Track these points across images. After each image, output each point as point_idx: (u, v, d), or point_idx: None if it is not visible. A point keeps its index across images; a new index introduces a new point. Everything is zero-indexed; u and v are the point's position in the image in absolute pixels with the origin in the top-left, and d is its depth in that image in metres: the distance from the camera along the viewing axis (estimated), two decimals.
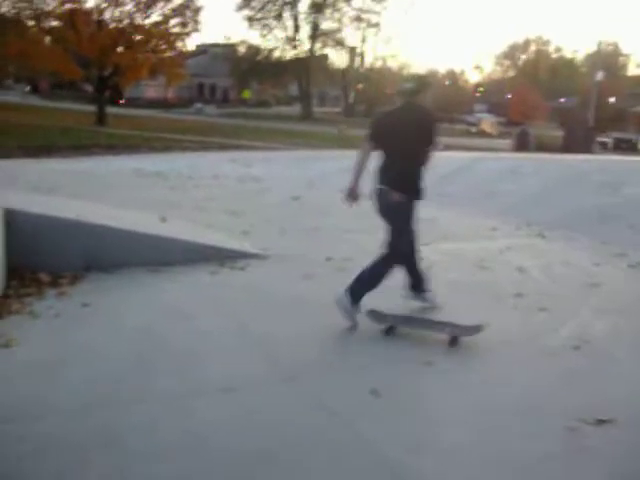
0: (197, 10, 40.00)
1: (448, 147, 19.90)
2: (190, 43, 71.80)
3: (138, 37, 38.37)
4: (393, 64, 73.68)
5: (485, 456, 3.46)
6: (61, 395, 3.94)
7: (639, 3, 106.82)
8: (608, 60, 68.74)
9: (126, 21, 37.68)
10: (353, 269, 5.53)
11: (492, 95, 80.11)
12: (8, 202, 6.36)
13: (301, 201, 11.19)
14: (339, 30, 66.41)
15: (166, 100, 65.72)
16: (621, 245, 8.38)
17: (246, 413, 3.80)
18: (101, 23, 37.31)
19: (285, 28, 65.75)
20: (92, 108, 38.69)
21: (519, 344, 5.09)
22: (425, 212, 5.79)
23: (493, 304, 6.01)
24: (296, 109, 67.66)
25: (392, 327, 5.09)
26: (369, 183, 5.32)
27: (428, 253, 6.59)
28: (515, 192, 11.93)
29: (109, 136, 27.26)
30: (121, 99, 56.86)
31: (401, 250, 5.26)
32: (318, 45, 66.80)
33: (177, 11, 39.06)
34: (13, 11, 37.89)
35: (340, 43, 67.31)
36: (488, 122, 61.51)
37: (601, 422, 3.79)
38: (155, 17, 38.78)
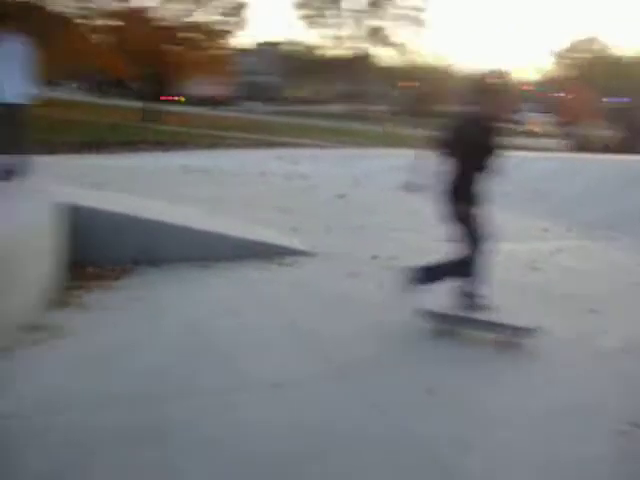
0: (244, 8, 40.35)
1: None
2: (239, 41, 72.18)
3: (186, 35, 38.78)
4: (442, 62, 73.09)
5: (534, 457, 3.44)
6: (111, 387, 4.01)
7: None
8: None
9: (175, 19, 38.14)
10: (400, 268, 5.52)
11: (546, 94, 78.80)
12: (63, 197, 6.50)
13: (347, 199, 11.21)
14: (388, 27, 66.17)
15: (215, 97, 66.16)
16: None
17: (294, 410, 3.82)
18: (150, 21, 37.79)
19: (338, 26, 65.76)
20: (140, 105, 39.19)
21: (570, 346, 5.04)
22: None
23: (544, 305, 5.96)
24: (343, 107, 67.62)
25: (446, 327, 5.07)
26: (428, 183, 5.19)
27: None
28: (566, 192, 11.80)
29: (157, 133, 27.62)
30: (169, 96, 57.45)
31: (472, 253, 5.13)
32: (368, 43, 66.68)
33: (224, 9, 39.42)
34: (67, 10, 38.67)
35: (388, 41, 67.05)
36: (536, 121, 60.51)
37: None
38: (203, 15, 39.20)
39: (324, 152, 21.40)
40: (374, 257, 7.13)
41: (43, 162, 7.71)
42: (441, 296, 5.30)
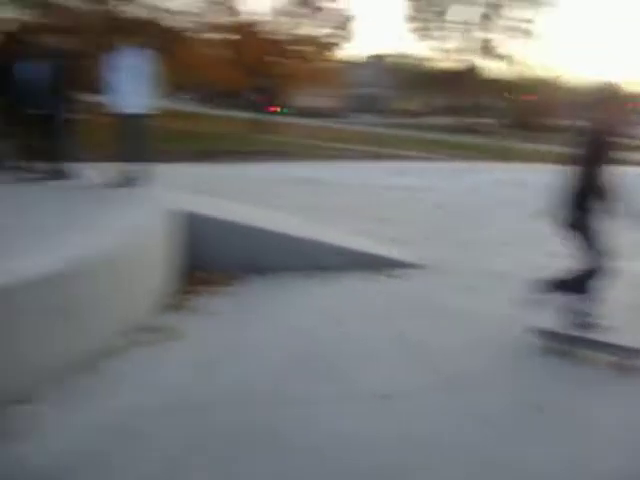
0: (352, 21, 40.65)
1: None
2: (349, 53, 72.75)
3: (296, 47, 39.39)
4: (551, 74, 71.22)
5: None
6: (220, 389, 4.13)
7: None
8: None
9: (285, 32, 38.83)
10: (510, 283, 5.42)
11: None
12: (179, 204, 6.73)
13: (455, 212, 11.08)
14: (497, 39, 65.07)
15: (324, 109, 66.78)
16: None
17: (401, 422, 3.80)
18: (261, 34, 38.60)
19: (448, 39, 65.17)
20: (251, 115, 39.99)
21: None
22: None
23: None
24: (451, 119, 66.90)
25: (558, 345, 4.93)
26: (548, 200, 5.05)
27: None
28: None
29: (266, 143, 28.12)
30: (279, 107, 58.42)
31: (591, 270, 4.97)
32: (476, 55, 65.77)
33: (333, 22, 39.84)
34: (181, 25, 40.06)
35: (497, 53, 65.93)
36: None
37: None
38: (312, 28, 39.75)
39: (431, 165, 21.26)
40: (484, 271, 7.01)
41: (161, 170, 7.99)
42: (554, 313, 5.16)
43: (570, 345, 4.94)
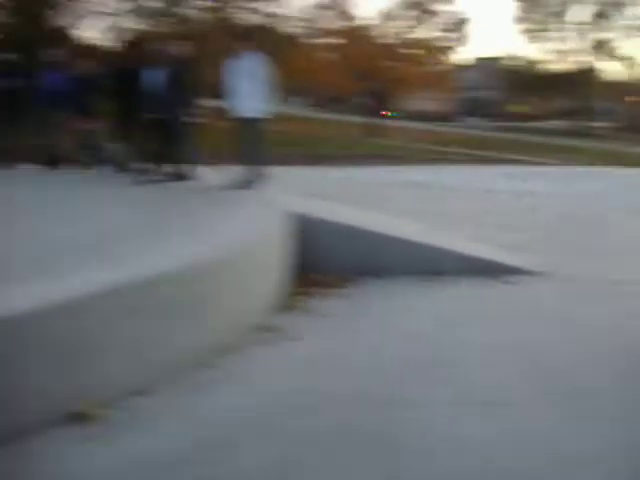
0: (465, 23, 40.16)
1: None
2: (460, 56, 72.00)
3: (406, 51, 39.29)
4: None
5: None
6: (334, 389, 4.14)
7: None
8: None
9: (394, 36, 38.79)
10: (633, 293, 5.19)
11: None
12: (295, 207, 6.84)
13: (574, 218, 10.73)
14: (615, 40, 62.75)
15: (434, 112, 66.29)
16: None
17: (516, 430, 3.71)
18: (372, 38, 38.72)
19: (561, 40, 63.39)
20: (361, 119, 40.13)
21: None
22: None
23: None
24: (565, 123, 65.00)
25: None
26: None
27: None
28: None
29: (378, 147, 28.16)
30: (390, 111, 58.40)
31: None
32: (592, 57, 63.63)
33: (445, 25, 39.50)
34: (295, 30, 40.67)
35: (615, 54, 63.56)
36: None
37: None
38: (423, 31, 39.53)
39: (546, 169, 20.75)
40: (609, 280, 6.74)
41: (275, 173, 8.14)
42: None
43: None
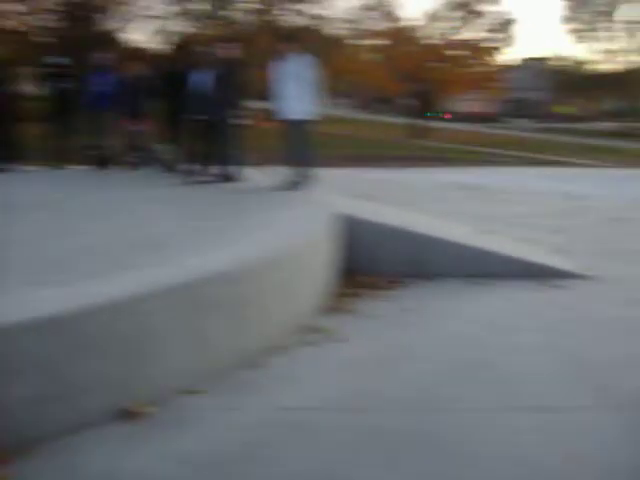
0: (511, 24, 39.72)
1: None
2: (505, 57, 71.36)
3: (451, 52, 39.03)
4: None
5: None
6: (383, 391, 4.12)
7: None
8: None
9: (442, 37, 38.57)
10: None
11: None
12: (341, 208, 6.84)
13: (622, 222, 10.52)
14: None
15: (479, 114, 65.81)
16: None
17: (566, 438, 3.64)
18: (417, 39, 38.56)
19: (610, 40, 62.34)
20: (407, 121, 39.98)
21: None
22: None
23: None
24: (613, 125, 63.89)
25: None
26: None
27: None
28: None
29: (424, 148, 28.05)
30: (435, 113, 58.12)
31: None
32: None
33: (491, 26, 39.13)
34: (340, 32, 40.78)
35: None
36: None
37: None
38: (468, 32, 39.21)
39: (593, 171, 20.41)
40: None
41: (321, 174, 8.16)
42: None
43: None
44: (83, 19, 31.70)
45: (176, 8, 36.47)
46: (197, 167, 8.84)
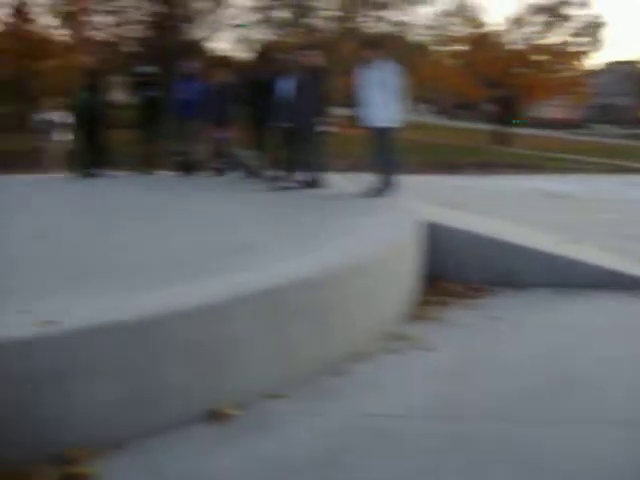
0: (599, 27, 38.61)
1: None
2: (592, 61, 69.46)
3: (538, 57, 38.24)
4: None
5: None
6: (468, 401, 4.07)
7: None
8: None
9: (526, 42, 37.87)
10: None
11: None
12: (425, 215, 6.78)
13: None
14: None
15: (561, 120, 64.30)
16: None
17: None
18: (502, 45, 37.97)
19: None
20: (491, 127, 39.37)
21: None
22: None
23: None
24: None
25: None
26: None
27: None
28: None
29: (509, 155, 27.60)
30: (519, 119, 57.09)
31: None
32: None
33: (577, 29, 38.15)
34: (423, 38, 40.63)
35: None
36: None
37: None
38: (555, 37, 38.33)
39: None
40: None
41: (405, 181, 8.11)
42: None
43: None
44: (170, 29, 32.53)
45: (259, 17, 37.06)
46: (281, 173, 8.93)
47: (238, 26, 36.73)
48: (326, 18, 39.19)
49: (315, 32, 37.73)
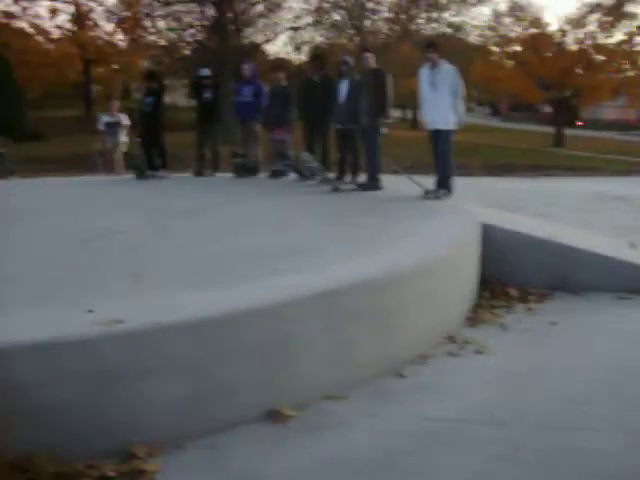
0: None
1: None
2: None
3: (599, 57, 37.46)
4: None
5: None
6: (528, 406, 4.01)
7: None
8: None
9: (588, 42, 37.11)
10: None
11: None
12: (481, 217, 6.71)
13: None
14: None
15: (621, 121, 62.78)
16: None
17: None
18: (562, 45, 37.31)
19: None
20: (548, 129, 38.74)
21: None
22: None
23: None
24: None
25: None
26: None
27: None
28: None
29: (568, 157, 27.13)
30: (579, 121, 56.00)
31: None
32: None
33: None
34: (480, 39, 40.24)
35: None
36: None
37: None
38: (619, 36, 37.48)
39: None
40: None
41: (462, 183, 8.04)
42: None
43: None
44: (228, 33, 32.88)
45: (314, 19, 37.19)
46: (339, 175, 8.95)
47: (293, 29, 36.98)
48: (380, 20, 39.14)
49: (372, 34, 37.73)
